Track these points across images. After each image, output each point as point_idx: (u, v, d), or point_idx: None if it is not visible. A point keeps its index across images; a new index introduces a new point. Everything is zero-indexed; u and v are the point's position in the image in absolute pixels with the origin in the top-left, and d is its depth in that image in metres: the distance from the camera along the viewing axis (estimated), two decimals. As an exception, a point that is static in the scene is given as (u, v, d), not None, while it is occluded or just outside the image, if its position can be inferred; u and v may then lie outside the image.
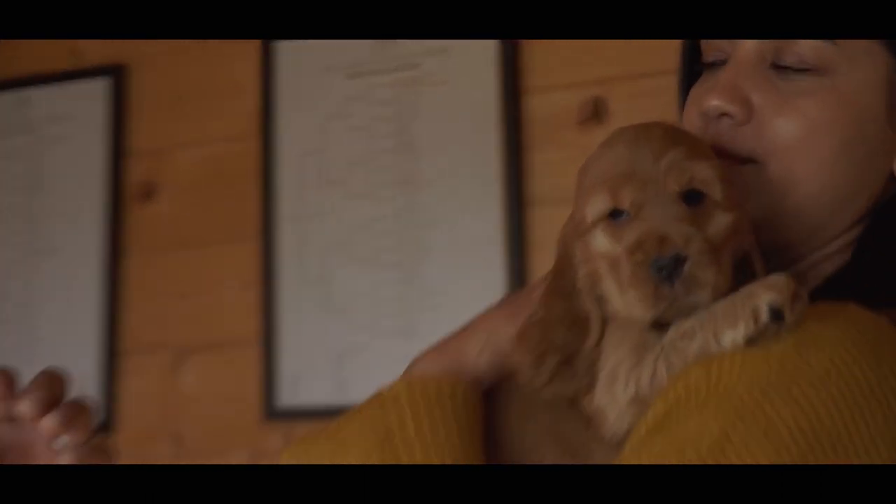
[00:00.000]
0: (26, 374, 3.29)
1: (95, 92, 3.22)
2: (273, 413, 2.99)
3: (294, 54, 3.09)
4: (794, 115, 1.26)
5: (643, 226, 1.16)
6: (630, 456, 1.08)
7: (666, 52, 2.56)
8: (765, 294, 1.08)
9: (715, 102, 1.24)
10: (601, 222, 1.18)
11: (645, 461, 1.07)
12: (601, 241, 1.18)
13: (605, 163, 1.22)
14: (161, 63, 3.24)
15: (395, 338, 2.91)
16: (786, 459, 1.01)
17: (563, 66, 2.88)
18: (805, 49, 1.25)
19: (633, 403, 1.15)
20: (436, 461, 1.19)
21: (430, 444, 1.18)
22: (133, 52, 3.24)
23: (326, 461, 1.23)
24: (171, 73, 3.23)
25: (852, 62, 1.25)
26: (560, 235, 1.23)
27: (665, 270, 1.11)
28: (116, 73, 3.22)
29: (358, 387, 2.85)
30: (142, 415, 3.15)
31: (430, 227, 2.91)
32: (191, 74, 3.21)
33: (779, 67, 1.26)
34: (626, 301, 1.15)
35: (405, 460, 1.18)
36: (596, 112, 2.84)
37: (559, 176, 2.82)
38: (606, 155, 1.22)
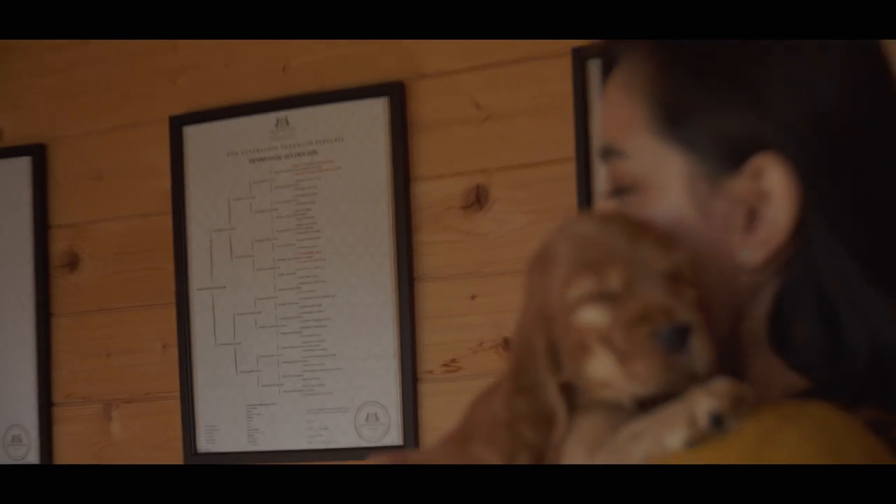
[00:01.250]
0: None
1: (18, 169, 3.22)
2: (192, 457, 3.03)
3: (201, 139, 3.07)
4: None
5: (641, 300, 1.11)
6: None
7: (541, 146, 2.74)
8: (705, 400, 1.03)
9: None
10: (588, 301, 1.12)
11: None
12: (593, 314, 1.10)
13: (576, 249, 1.15)
14: (78, 144, 3.21)
15: (298, 394, 2.96)
16: None
17: (448, 156, 2.88)
18: (619, 170, 1.18)
19: None
20: None
21: None
22: (52, 132, 3.23)
23: None
24: (88, 154, 3.19)
25: (651, 170, 1.17)
26: (517, 332, 1.15)
27: (675, 341, 1.07)
28: (37, 153, 3.20)
29: (266, 436, 3.02)
30: (76, 457, 3.16)
31: (328, 298, 2.95)
32: (107, 155, 3.17)
33: (614, 196, 1.20)
34: (629, 374, 1.09)
35: None
36: (478, 198, 2.85)
37: (445, 255, 2.87)
38: (573, 241, 1.15)
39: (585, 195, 2.74)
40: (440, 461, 1.21)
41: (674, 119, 1.13)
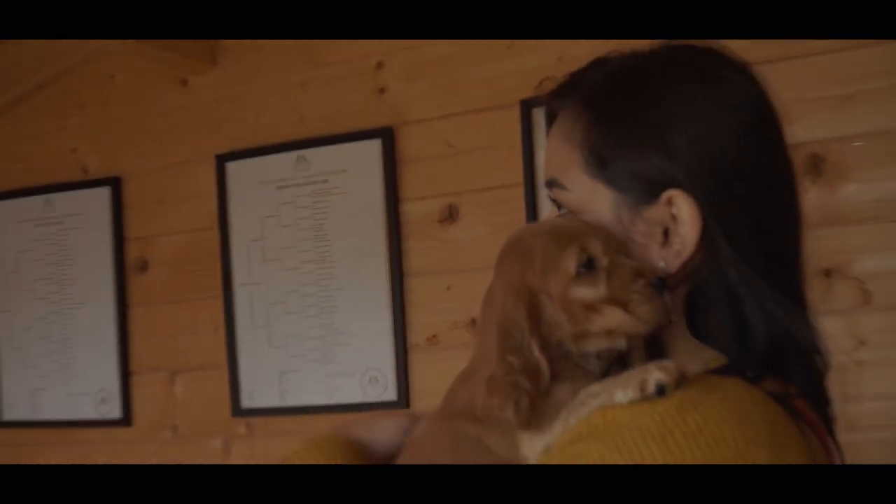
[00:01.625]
0: (64, 390, 3.30)
1: (100, 196, 3.18)
2: (238, 412, 3.02)
3: (240, 172, 3.04)
4: None
5: (627, 263, 1.12)
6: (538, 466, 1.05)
7: (498, 174, 2.76)
8: (656, 372, 1.03)
9: None
10: (580, 280, 1.11)
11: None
12: (586, 289, 1.11)
13: (551, 238, 1.15)
14: (146, 176, 3.18)
15: (317, 363, 2.95)
16: None
17: (427, 183, 2.87)
18: (561, 198, 1.17)
19: (545, 450, 1.07)
20: None
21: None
22: (125, 168, 3.20)
23: None
24: (153, 184, 3.17)
25: (586, 201, 1.16)
26: (494, 309, 1.13)
27: (661, 287, 1.09)
28: (114, 184, 3.17)
29: (294, 395, 2.99)
30: (149, 414, 3.16)
31: (338, 290, 2.93)
32: (167, 184, 3.15)
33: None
34: (636, 317, 1.10)
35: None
36: (451, 214, 2.84)
37: (426, 257, 2.86)
38: (544, 234, 1.16)
39: (532, 210, 2.74)
40: (431, 438, 1.17)
41: (601, 164, 1.13)
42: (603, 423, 1.00)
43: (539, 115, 2.69)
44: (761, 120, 1.14)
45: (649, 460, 0.95)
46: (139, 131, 3.19)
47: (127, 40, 2.76)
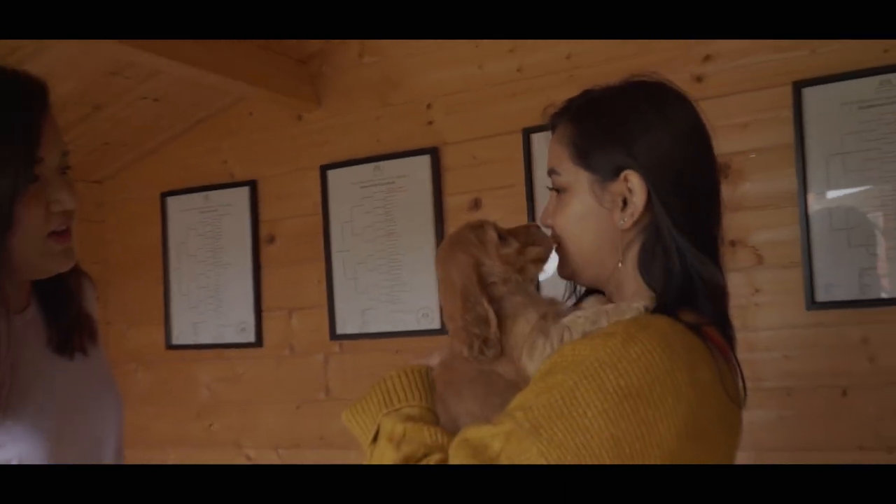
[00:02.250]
0: (215, 322, 3.18)
1: (242, 194, 3.15)
2: (334, 336, 2.98)
3: (336, 176, 2.98)
4: (558, 216, 1.16)
5: (521, 225, 1.18)
6: (526, 390, 1.00)
7: (507, 178, 2.72)
8: (604, 318, 1.04)
9: (544, 219, 1.20)
10: (499, 243, 1.13)
11: (531, 392, 0.98)
12: (508, 247, 1.13)
13: (469, 230, 1.16)
14: (274, 179, 3.13)
15: (387, 303, 2.89)
16: (608, 402, 0.93)
17: (460, 182, 2.81)
18: (557, 180, 1.16)
19: (544, 359, 1.05)
20: (415, 398, 1.07)
21: (408, 391, 1.08)
22: (260, 173, 3.16)
23: (358, 412, 1.11)
24: (278, 184, 3.12)
25: (572, 180, 1.14)
26: (461, 280, 1.11)
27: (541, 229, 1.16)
28: (252, 185, 3.15)
29: (370, 325, 2.92)
30: (274, 336, 3.10)
31: (401, 255, 2.88)
32: (289, 185, 3.09)
33: (555, 192, 1.18)
34: (544, 245, 1.14)
35: (395, 400, 1.07)
36: (476, 204, 2.79)
37: None
38: (463, 231, 1.17)
39: (530, 202, 2.66)
40: (461, 367, 1.11)
41: (582, 155, 1.13)
42: (571, 356, 0.99)
43: (535, 139, 2.69)
44: (694, 132, 1.13)
45: (608, 383, 0.94)
46: (269, 149, 3.18)
47: (261, 89, 2.76)
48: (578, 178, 1.14)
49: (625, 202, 1.12)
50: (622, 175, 1.11)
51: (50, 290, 1.23)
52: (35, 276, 1.17)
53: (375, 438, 1.07)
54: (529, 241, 1.17)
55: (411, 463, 1.00)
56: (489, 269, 1.12)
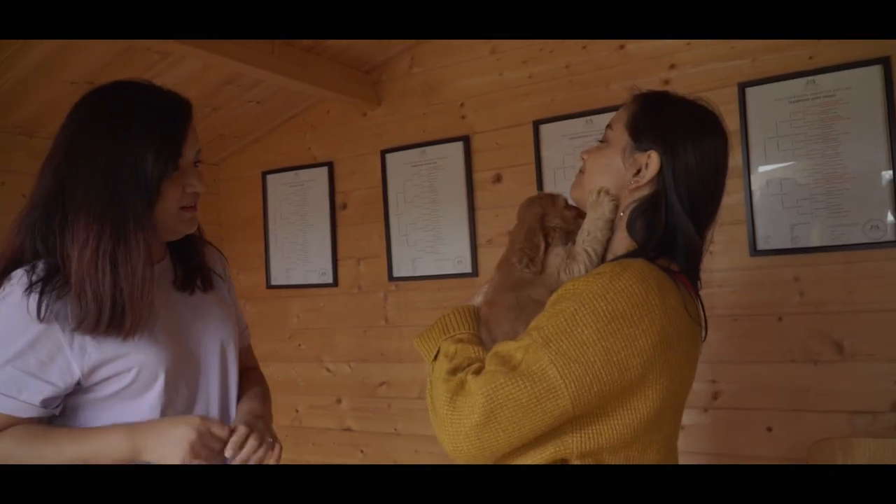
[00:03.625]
0: (303, 268, 3.12)
1: (321, 173, 3.10)
2: (391, 279, 2.94)
3: (392, 159, 2.93)
4: (592, 156, 1.14)
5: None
6: (541, 315, 0.98)
7: (521, 158, 2.67)
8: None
9: (582, 154, 1.17)
10: (565, 208, 1.15)
11: (543, 317, 0.97)
12: (570, 212, 1.14)
13: (546, 196, 1.18)
14: (346, 161, 3.08)
15: (430, 253, 2.85)
16: (600, 323, 0.92)
17: (485, 162, 2.76)
18: (607, 134, 1.14)
19: (583, 269, 1.07)
20: (465, 327, 1.06)
21: (460, 323, 1.08)
22: (335, 156, 3.10)
23: (425, 339, 1.10)
24: (350, 164, 3.07)
25: (615, 137, 1.11)
26: (530, 220, 1.13)
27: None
28: (329, 165, 3.05)
29: (419, 269, 2.88)
30: (347, 278, 3.07)
31: (441, 217, 2.84)
32: (357, 166, 3.05)
33: (600, 142, 1.15)
34: (590, 220, 1.10)
35: (451, 329, 1.07)
36: (499, 178, 2.73)
37: (486, 199, 2.75)
38: (542, 195, 1.19)
39: (538, 178, 2.62)
40: (501, 298, 1.10)
41: (634, 126, 1.10)
42: (572, 290, 0.98)
43: (543, 129, 2.64)
44: (714, 159, 1.09)
45: (599, 309, 0.94)
46: (342, 138, 3.14)
47: (336, 93, 2.74)
48: (621, 138, 1.12)
49: (638, 171, 1.10)
50: (648, 152, 1.09)
51: (179, 247, 1.29)
52: (170, 238, 1.22)
53: (436, 357, 1.08)
54: (581, 215, 1.17)
55: (459, 372, 1.00)
56: (551, 220, 1.15)
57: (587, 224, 1.11)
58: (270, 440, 1.17)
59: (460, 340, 1.06)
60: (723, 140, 1.11)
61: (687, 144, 1.07)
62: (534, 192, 2.55)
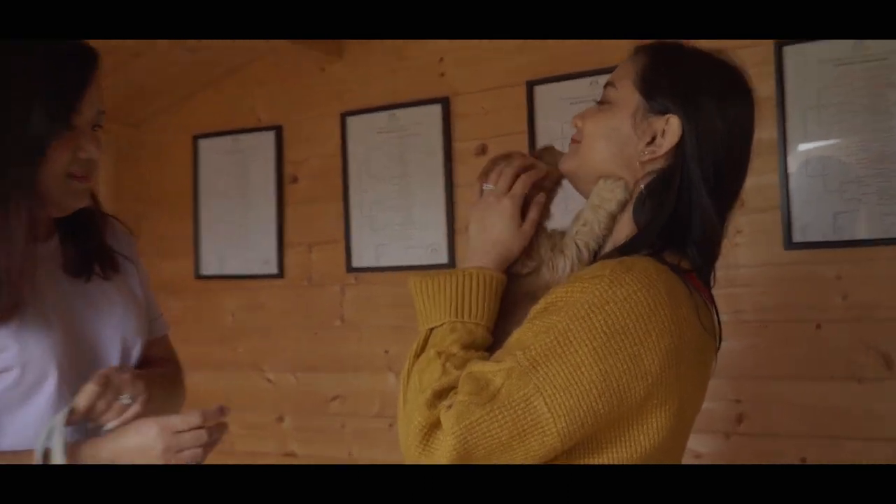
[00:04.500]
0: (243, 256, 3.15)
1: (268, 137, 3.11)
2: (350, 269, 2.94)
3: (354, 122, 2.95)
4: (591, 121, 1.14)
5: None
6: (524, 327, 1.00)
7: (511, 126, 2.70)
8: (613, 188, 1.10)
9: (574, 119, 1.16)
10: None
11: (529, 332, 0.98)
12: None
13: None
14: (298, 125, 3.09)
15: (399, 240, 2.86)
16: (597, 341, 0.94)
17: (468, 129, 2.79)
18: (608, 93, 1.14)
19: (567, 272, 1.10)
20: (481, 313, 1.06)
21: (481, 304, 1.06)
22: (284, 119, 3.11)
23: (428, 295, 1.09)
24: (301, 130, 3.08)
25: (621, 98, 1.12)
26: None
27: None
28: (277, 130, 3.11)
29: (384, 259, 2.90)
30: (295, 269, 3.07)
31: (413, 195, 2.86)
32: (310, 130, 3.06)
33: (599, 103, 1.15)
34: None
35: (467, 310, 1.06)
36: (483, 151, 2.75)
37: (467, 175, 2.76)
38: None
39: (533, 149, 2.58)
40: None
41: (645, 82, 1.10)
42: (564, 298, 0.99)
43: (538, 91, 2.67)
44: (742, 125, 1.11)
45: (597, 323, 0.95)
46: (294, 97, 3.14)
47: (288, 41, 2.73)
48: (629, 99, 1.12)
49: (653, 139, 1.09)
50: (667, 116, 1.08)
51: (70, 225, 1.29)
52: (58, 213, 1.23)
53: (432, 330, 1.08)
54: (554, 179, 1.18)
55: (445, 398, 1.00)
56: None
57: (586, 211, 1.12)
58: (127, 397, 1.18)
59: (470, 337, 1.05)
60: (751, 102, 1.12)
61: (712, 106, 1.08)
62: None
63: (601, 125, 1.14)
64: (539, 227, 1.14)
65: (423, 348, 1.08)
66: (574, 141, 1.18)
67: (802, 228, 2.31)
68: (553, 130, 2.65)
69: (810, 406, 2.29)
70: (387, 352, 2.95)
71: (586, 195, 1.18)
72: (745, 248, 2.43)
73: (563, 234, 1.15)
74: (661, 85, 1.10)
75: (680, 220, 1.07)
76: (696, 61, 1.12)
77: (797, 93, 2.30)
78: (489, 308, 1.09)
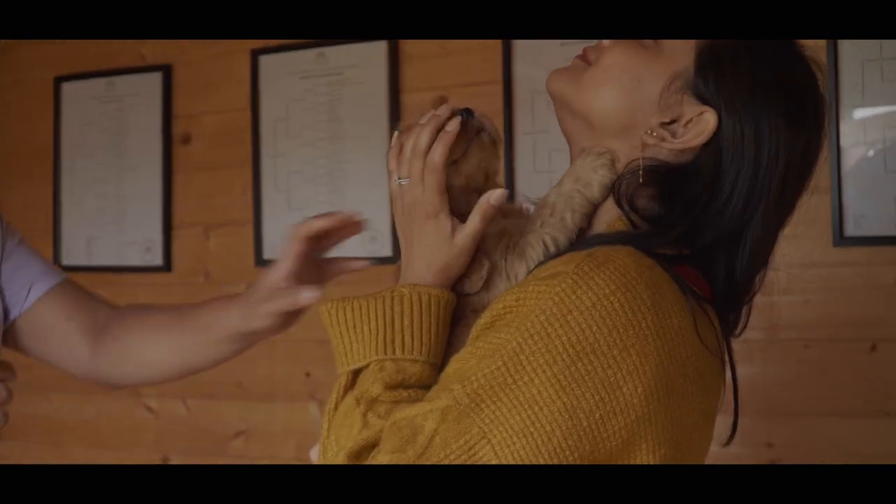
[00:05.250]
0: (115, 240, 3.24)
1: (154, 80, 3.14)
2: (260, 262, 2.98)
3: (270, 63, 2.99)
4: (619, 49, 1.13)
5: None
6: (464, 352, 1.00)
7: (485, 69, 2.72)
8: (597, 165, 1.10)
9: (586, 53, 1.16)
10: None
11: (469, 357, 0.98)
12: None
13: None
14: (192, 65, 3.13)
15: None
16: (558, 365, 0.93)
17: (423, 75, 2.83)
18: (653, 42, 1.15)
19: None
20: (418, 346, 1.06)
21: (417, 333, 1.06)
22: (176, 57, 3.14)
23: (347, 327, 1.09)
24: (199, 71, 3.12)
25: (672, 47, 1.12)
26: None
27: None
28: (166, 69, 3.13)
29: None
30: (186, 259, 3.14)
31: (347, 164, 2.90)
32: (211, 72, 3.10)
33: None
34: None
35: (399, 343, 1.06)
36: (441, 103, 2.72)
37: None
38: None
39: (508, 107, 2.69)
40: None
41: (707, 61, 1.09)
42: (514, 307, 0.98)
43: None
44: (810, 141, 1.13)
45: (557, 340, 0.94)
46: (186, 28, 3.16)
47: None
48: (680, 57, 1.11)
49: (672, 122, 1.11)
50: (703, 109, 1.09)
51: None
52: None
53: (354, 379, 1.08)
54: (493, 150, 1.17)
55: (357, 451, 1.02)
56: (451, 176, 1.12)
57: (559, 195, 1.11)
58: None
59: (402, 379, 1.06)
60: (821, 101, 1.14)
61: (779, 125, 1.09)
62: (500, 128, 2.55)
63: (629, 64, 1.13)
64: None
65: (343, 397, 1.08)
66: (584, 59, 1.17)
67: (858, 219, 2.33)
68: (536, 81, 2.66)
69: (861, 451, 2.29)
70: (308, 375, 2.95)
71: (567, 133, 1.20)
72: (782, 243, 2.45)
73: (521, 225, 1.13)
74: (724, 71, 1.10)
75: (698, 240, 1.09)
76: (764, 56, 1.12)
77: (853, 41, 2.33)
78: (431, 337, 1.08)
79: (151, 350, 1.52)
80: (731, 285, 1.12)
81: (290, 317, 1.31)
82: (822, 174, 2.43)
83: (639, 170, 1.11)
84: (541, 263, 1.09)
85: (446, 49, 2.82)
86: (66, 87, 3.28)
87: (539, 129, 2.68)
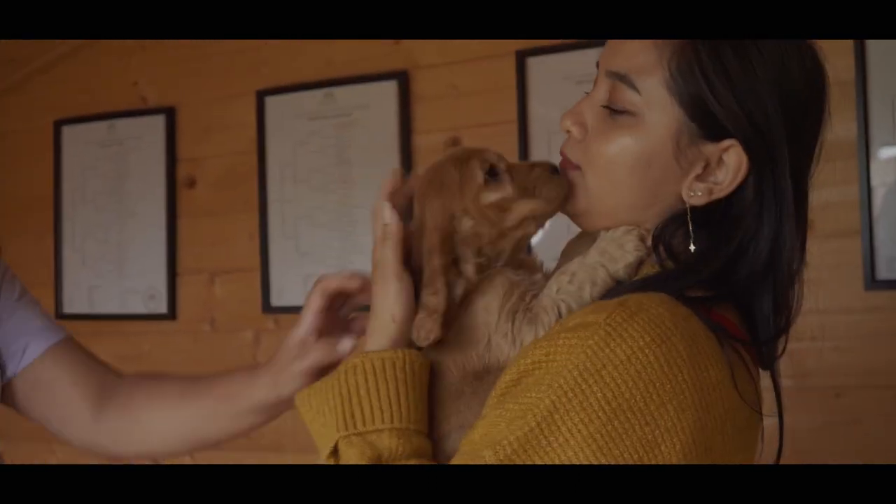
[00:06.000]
0: (117, 288, 3.27)
1: (157, 122, 3.16)
2: (267, 309, 3.00)
3: (276, 104, 3.01)
4: (606, 142, 1.10)
5: (524, 163, 1.14)
6: (490, 416, 0.99)
7: (499, 108, 2.72)
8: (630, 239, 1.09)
9: (564, 122, 1.14)
10: (484, 186, 1.11)
11: (500, 421, 0.97)
12: (495, 193, 1.11)
13: (452, 163, 1.14)
14: (196, 107, 3.14)
15: (336, 269, 2.76)
16: (594, 424, 0.93)
17: (435, 117, 2.82)
18: (625, 96, 1.09)
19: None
20: (378, 414, 1.06)
21: (375, 401, 1.06)
22: (178, 100, 3.16)
23: (315, 412, 1.10)
24: (203, 114, 3.13)
25: (652, 110, 1.08)
26: (428, 236, 1.10)
27: (555, 168, 1.10)
28: (169, 112, 3.15)
29: None
30: (191, 309, 3.15)
31: (357, 209, 2.90)
32: (216, 115, 3.11)
33: (609, 109, 1.10)
34: (546, 199, 1.11)
35: (359, 416, 1.05)
36: (454, 145, 2.72)
37: None
38: (446, 163, 1.14)
39: (523, 145, 2.68)
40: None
41: (691, 95, 1.07)
42: (542, 363, 0.98)
43: (532, 64, 2.70)
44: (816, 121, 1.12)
45: (593, 397, 0.94)
46: (191, 70, 3.16)
47: None
48: (665, 114, 1.09)
49: (705, 168, 1.08)
50: (725, 142, 1.07)
51: None
52: None
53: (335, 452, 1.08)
54: (530, 186, 1.11)
55: None
56: (464, 227, 1.10)
57: (582, 265, 1.09)
58: None
59: (375, 449, 1.05)
60: (822, 107, 1.13)
61: (793, 116, 1.08)
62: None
63: (620, 151, 1.11)
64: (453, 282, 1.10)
65: None
66: (570, 166, 1.15)
67: (890, 262, 2.32)
68: (551, 119, 2.61)
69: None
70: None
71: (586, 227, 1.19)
72: (812, 287, 2.43)
73: (532, 284, 1.11)
74: (713, 103, 1.07)
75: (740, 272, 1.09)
76: (760, 56, 1.08)
77: (883, 77, 2.32)
78: (397, 401, 1.07)
79: (161, 421, 1.48)
80: (775, 315, 1.12)
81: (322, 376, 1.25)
82: (852, 216, 2.44)
83: (685, 217, 1.10)
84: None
85: (458, 89, 2.83)
86: (67, 131, 3.30)
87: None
